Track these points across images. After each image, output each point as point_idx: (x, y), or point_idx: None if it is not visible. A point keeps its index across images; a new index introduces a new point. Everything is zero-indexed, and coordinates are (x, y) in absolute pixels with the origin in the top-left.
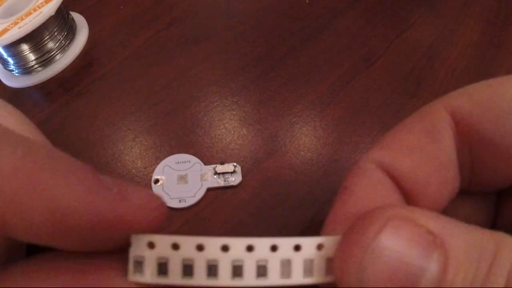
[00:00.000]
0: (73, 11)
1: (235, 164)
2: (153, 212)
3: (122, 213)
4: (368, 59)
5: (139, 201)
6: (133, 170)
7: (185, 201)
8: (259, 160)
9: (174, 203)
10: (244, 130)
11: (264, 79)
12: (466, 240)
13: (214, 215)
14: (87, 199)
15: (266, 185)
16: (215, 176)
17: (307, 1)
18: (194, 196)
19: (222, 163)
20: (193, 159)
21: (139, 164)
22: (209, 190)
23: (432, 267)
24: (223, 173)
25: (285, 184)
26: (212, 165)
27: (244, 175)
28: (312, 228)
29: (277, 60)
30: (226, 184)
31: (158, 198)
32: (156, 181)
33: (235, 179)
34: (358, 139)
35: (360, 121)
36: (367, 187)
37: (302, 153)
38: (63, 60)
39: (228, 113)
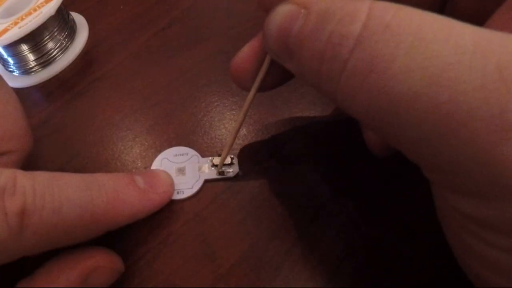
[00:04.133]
0: (73, 11)
1: (232, 156)
2: (169, 193)
3: (155, 203)
4: None
5: (163, 189)
6: (133, 170)
7: (183, 193)
8: (259, 160)
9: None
10: (244, 130)
11: None
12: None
13: (214, 215)
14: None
15: (266, 185)
16: (212, 168)
17: None
18: (192, 187)
19: (219, 155)
20: (191, 151)
21: (139, 164)
22: (206, 181)
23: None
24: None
25: (285, 184)
26: (209, 157)
27: (244, 175)
28: (312, 228)
29: None
30: (223, 175)
31: (171, 181)
32: None
33: (232, 171)
34: (358, 139)
35: None
36: None
37: (302, 153)
38: (63, 60)
39: (228, 113)
